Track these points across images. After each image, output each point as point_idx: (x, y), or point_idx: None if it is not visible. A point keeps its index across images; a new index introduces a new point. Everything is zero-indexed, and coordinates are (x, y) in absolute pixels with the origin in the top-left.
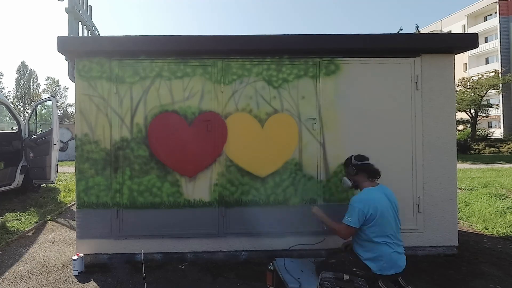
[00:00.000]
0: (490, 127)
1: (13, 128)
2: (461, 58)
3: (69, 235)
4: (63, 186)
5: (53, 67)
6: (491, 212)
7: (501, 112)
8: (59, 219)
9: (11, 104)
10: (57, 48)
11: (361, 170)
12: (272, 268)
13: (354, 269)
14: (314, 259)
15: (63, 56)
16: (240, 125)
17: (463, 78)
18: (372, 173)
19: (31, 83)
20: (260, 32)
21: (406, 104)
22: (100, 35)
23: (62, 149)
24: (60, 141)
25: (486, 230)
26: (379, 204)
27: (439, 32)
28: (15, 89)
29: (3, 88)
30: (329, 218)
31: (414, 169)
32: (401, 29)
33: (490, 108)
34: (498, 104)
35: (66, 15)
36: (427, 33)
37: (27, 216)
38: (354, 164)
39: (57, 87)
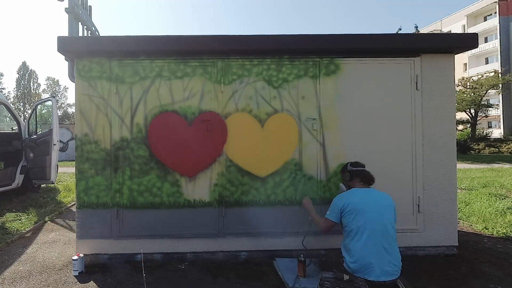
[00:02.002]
0: (490, 127)
1: (13, 128)
2: (461, 58)
3: (69, 235)
4: (63, 186)
5: (53, 67)
6: (491, 212)
7: (501, 112)
8: (59, 220)
9: (11, 104)
10: (57, 48)
11: (355, 175)
12: (302, 259)
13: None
14: (314, 259)
15: (63, 56)
16: (240, 125)
17: (463, 78)
18: (365, 178)
19: (31, 83)
20: (260, 32)
21: (406, 104)
22: (100, 35)
23: (62, 149)
24: (60, 141)
25: (486, 230)
26: (359, 200)
27: (439, 32)
28: (15, 89)
29: (3, 89)
30: (315, 212)
31: (414, 169)
32: (400, 29)
33: (490, 108)
34: (498, 104)
35: (66, 15)
36: (427, 33)
37: (27, 216)
38: (349, 170)
39: (57, 87)
